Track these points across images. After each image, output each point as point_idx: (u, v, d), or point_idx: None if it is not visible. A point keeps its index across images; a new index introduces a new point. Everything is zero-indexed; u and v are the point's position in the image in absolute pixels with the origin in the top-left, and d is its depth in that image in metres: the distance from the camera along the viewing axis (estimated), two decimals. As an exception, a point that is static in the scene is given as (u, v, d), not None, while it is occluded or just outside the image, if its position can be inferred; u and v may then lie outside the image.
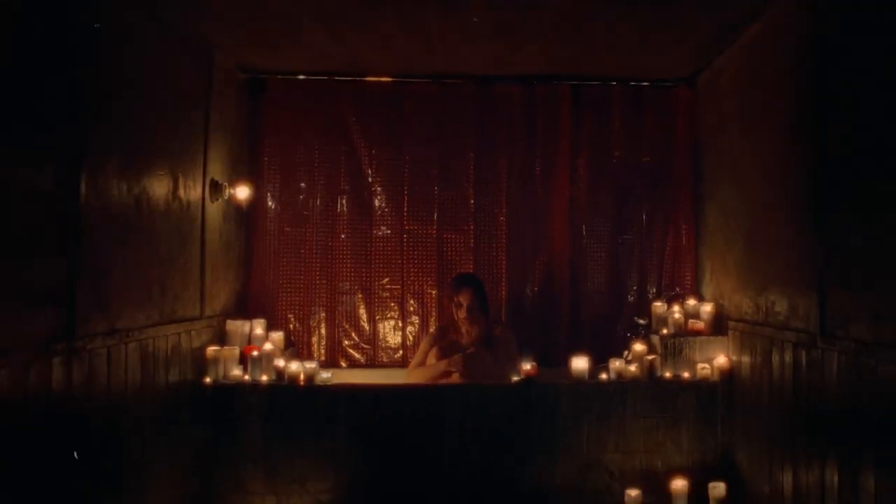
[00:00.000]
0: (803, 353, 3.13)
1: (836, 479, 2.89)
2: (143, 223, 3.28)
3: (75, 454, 2.63)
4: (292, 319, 4.74)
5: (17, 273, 2.36)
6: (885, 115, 2.58)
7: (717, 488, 3.81)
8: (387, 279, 4.83)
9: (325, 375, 3.98)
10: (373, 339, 4.82)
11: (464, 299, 4.27)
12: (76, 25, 2.70)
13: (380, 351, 4.82)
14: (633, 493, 3.81)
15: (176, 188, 3.61)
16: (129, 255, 3.15)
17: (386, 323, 4.84)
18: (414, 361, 4.40)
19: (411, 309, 4.83)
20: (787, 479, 3.33)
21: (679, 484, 3.80)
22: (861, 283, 2.72)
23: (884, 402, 2.51)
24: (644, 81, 4.79)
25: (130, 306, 3.14)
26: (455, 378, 4.18)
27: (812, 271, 3.07)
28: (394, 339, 4.83)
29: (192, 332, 3.81)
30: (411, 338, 4.81)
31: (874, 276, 2.63)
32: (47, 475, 2.49)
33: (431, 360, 4.27)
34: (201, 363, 3.88)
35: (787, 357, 3.30)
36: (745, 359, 3.84)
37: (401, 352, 4.81)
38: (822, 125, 3.04)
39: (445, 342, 4.32)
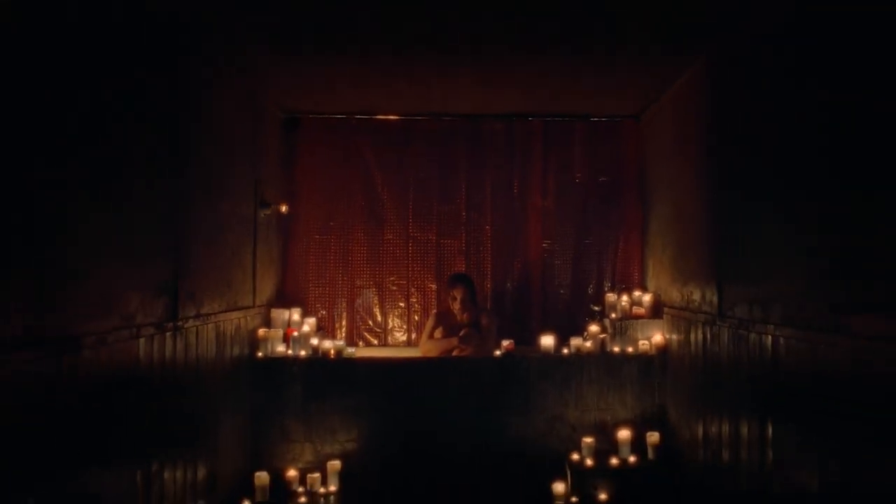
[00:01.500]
0: (708, 329, 3.90)
1: (727, 427, 3.65)
2: (217, 235, 4.02)
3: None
4: (320, 308, 5.47)
5: (150, 272, 3.13)
6: (748, 169, 3.36)
7: (653, 436, 4.56)
8: (395, 276, 5.55)
9: (351, 350, 4.72)
10: (384, 324, 5.55)
11: (458, 294, 4.99)
12: (178, 101, 3.47)
13: (389, 334, 5.55)
14: (588, 440, 4.51)
15: (237, 206, 4.35)
16: (207, 259, 3.88)
17: (394, 311, 5.56)
18: (424, 336, 5.08)
19: (415, 300, 5.56)
20: (699, 429, 4.06)
21: (624, 433, 4.52)
22: (739, 280, 3.49)
23: (752, 361, 3.28)
24: (600, 118, 5.51)
25: (209, 297, 3.89)
26: (456, 352, 4.88)
27: (712, 271, 3.85)
28: (401, 324, 5.56)
29: (248, 318, 4.55)
30: (415, 324, 5.54)
31: (746, 276, 3.41)
32: (163, 415, 3.25)
33: (438, 335, 4.98)
34: (254, 341, 4.62)
35: (700, 334, 4.06)
36: (674, 336, 4.59)
37: (406, 334, 5.53)
38: (717, 165, 3.81)
39: (447, 324, 5.01)
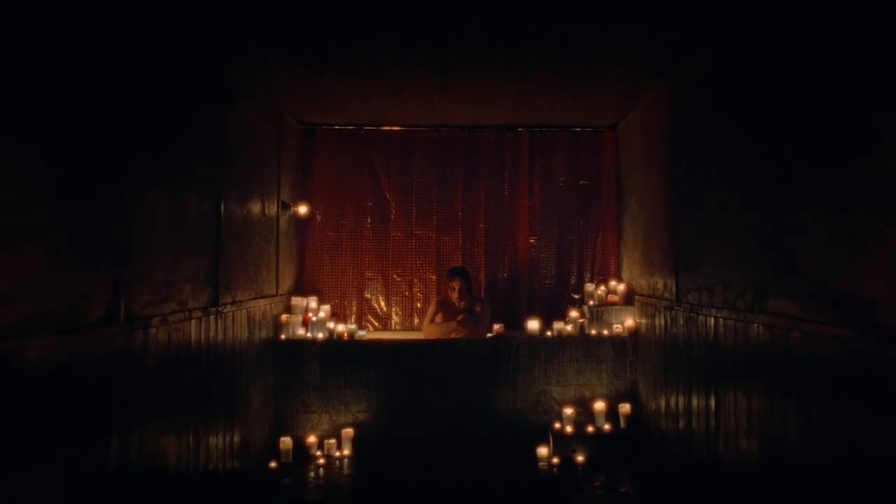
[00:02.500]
0: (668, 314, 4.36)
1: (681, 399, 4.11)
2: (247, 233, 4.47)
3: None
4: (333, 297, 5.92)
5: (198, 266, 3.59)
6: (694, 181, 3.82)
7: (625, 407, 5.02)
8: (399, 269, 5.99)
9: (362, 333, 5.18)
10: (389, 310, 6.01)
11: (456, 284, 5.44)
12: (221, 120, 3.92)
13: (393, 320, 6.01)
14: (568, 410, 4.97)
15: (263, 208, 4.81)
16: (239, 254, 4.33)
17: (398, 300, 6.01)
18: (426, 321, 5.53)
19: (416, 290, 6.01)
20: (663, 401, 4.53)
21: (599, 405, 4.98)
22: (691, 271, 3.96)
23: (700, 341, 3.75)
24: (581, 128, 5.95)
25: (241, 287, 4.34)
26: (454, 334, 5.33)
27: (672, 263, 4.31)
28: (404, 311, 6.00)
29: (272, 304, 5.00)
30: (416, 310, 5.99)
31: (695, 267, 3.88)
32: (208, 385, 3.72)
33: (438, 320, 5.44)
34: (278, 325, 5.08)
35: (662, 318, 4.52)
36: (644, 320, 5.04)
37: (409, 320, 5.98)
38: (671, 175, 4.27)
39: (446, 311, 5.47)
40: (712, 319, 3.52)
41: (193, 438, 3.51)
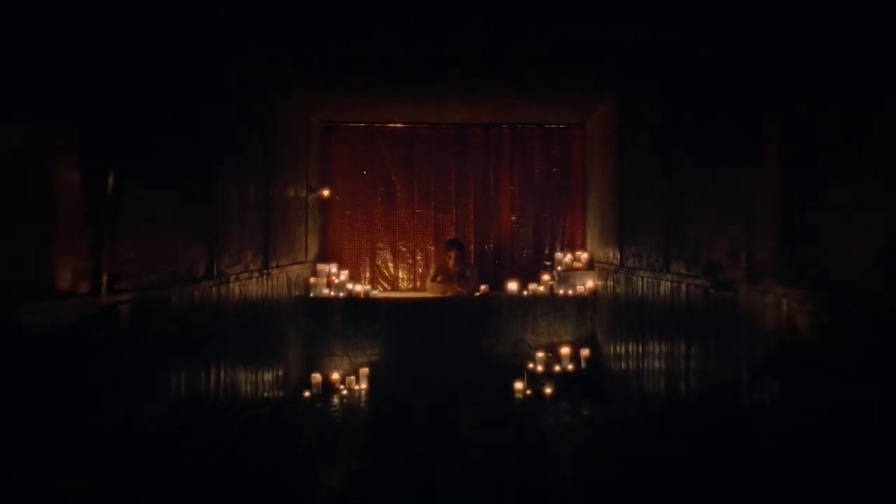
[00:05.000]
0: (615, 276, 5.38)
1: (622, 345, 5.11)
2: (285, 212, 5.44)
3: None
4: (350, 263, 6.90)
5: (254, 241, 4.58)
6: (629, 174, 4.80)
7: (585, 351, 6.03)
8: (404, 241, 6.96)
9: (374, 292, 6.19)
10: (396, 275, 7.01)
11: (452, 254, 6.43)
12: (269, 124, 4.88)
13: (399, 282, 7.00)
14: (540, 354, 5.98)
15: (296, 191, 5.78)
16: (281, 229, 5.30)
17: (403, 266, 7.00)
18: (429, 279, 6.53)
19: (418, 258, 6.99)
20: (612, 347, 5.54)
21: (565, 350, 5.97)
22: (629, 242, 4.96)
23: (633, 294, 4.76)
24: (555, 125, 6.90)
25: (282, 255, 5.33)
26: (450, 291, 6.31)
27: (617, 236, 5.32)
28: (409, 275, 6.99)
29: (303, 269, 6.00)
30: (418, 275, 6.99)
31: (631, 239, 4.88)
32: (262, 330, 4.73)
33: (439, 280, 6.43)
34: (307, 286, 6.08)
35: (612, 280, 5.54)
36: (601, 282, 6.06)
37: (413, 283, 6.98)
38: (616, 169, 5.25)
39: (443, 274, 6.46)
40: (640, 279, 4.54)
41: (253, 373, 4.52)
